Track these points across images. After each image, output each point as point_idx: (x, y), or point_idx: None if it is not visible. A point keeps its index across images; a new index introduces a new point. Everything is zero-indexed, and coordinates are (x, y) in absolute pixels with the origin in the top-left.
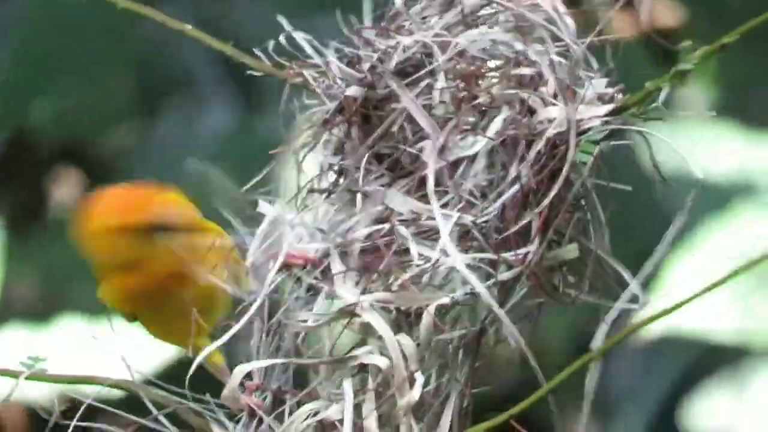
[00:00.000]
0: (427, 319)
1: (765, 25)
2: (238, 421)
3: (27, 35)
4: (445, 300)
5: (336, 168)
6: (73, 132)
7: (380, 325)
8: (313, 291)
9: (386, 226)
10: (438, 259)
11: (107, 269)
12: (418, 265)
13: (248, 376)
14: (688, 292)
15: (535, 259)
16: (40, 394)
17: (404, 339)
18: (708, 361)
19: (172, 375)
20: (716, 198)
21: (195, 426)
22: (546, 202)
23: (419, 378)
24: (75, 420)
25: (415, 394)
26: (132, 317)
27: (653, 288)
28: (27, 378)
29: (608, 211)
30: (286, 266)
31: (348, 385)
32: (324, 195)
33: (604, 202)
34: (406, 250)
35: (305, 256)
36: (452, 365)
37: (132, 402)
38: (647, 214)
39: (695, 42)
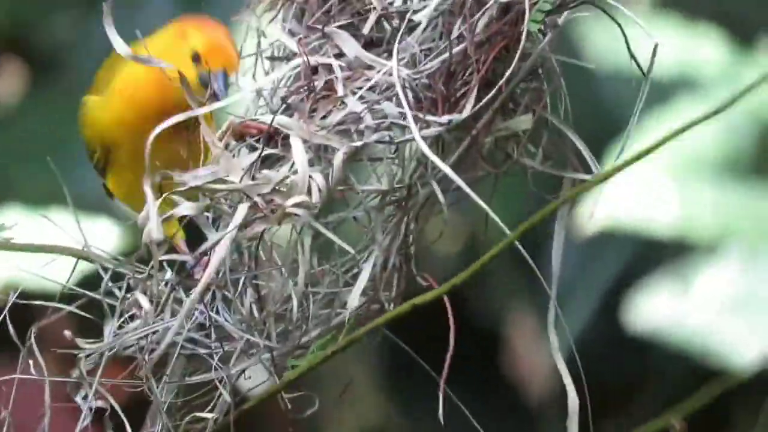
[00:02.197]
0: (337, 158)
1: None
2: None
3: None
4: (358, 144)
5: (295, 35)
6: (12, 22)
7: (297, 147)
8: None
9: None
10: (369, 102)
11: (132, 86)
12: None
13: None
14: (629, 184)
15: (473, 124)
16: None
17: (317, 175)
18: (649, 254)
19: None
20: (658, 92)
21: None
22: (488, 61)
23: (314, 198)
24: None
25: (292, 200)
26: (105, 160)
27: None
28: None
29: (559, 78)
30: (241, 136)
31: (242, 207)
32: (284, 61)
33: (561, 74)
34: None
35: (259, 126)
36: (376, 220)
37: (85, 287)
38: (586, 104)
39: None
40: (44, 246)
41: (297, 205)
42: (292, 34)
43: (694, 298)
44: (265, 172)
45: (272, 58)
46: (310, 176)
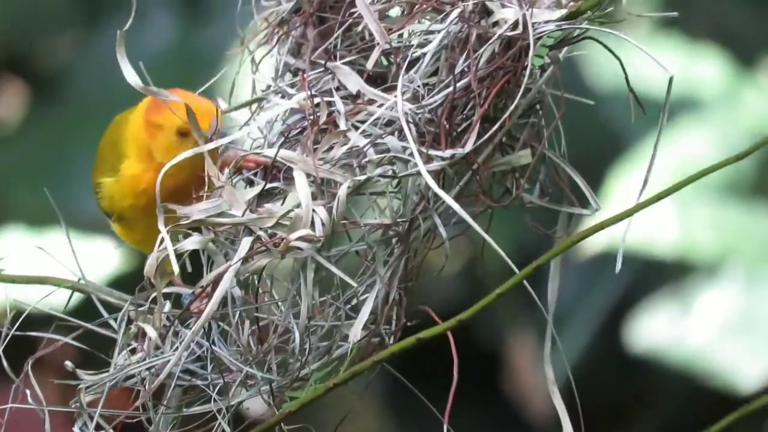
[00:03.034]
0: (341, 192)
1: None
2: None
3: None
4: (361, 178)
5: (292, 69)
6: (13, 43)
7: (300, 181)
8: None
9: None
10: (373, 136)
11: (138, 158)
12: (345, 142)
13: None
14: (631, 205)
15: (474, 160)
16: None
17: (321, 209)
18: (649, 275)
19: (121, 286)
20: (658, 111)
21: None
22: (490, 98)
23: (318, 231)
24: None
25: (296, 234)
26: (120, 215)
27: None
28: None
29: (561, 113)
30: (239, 169)
31: (246, 240)
32: (279, 95)
33: (559, 109)
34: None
35: (257, 160)
36: (378, 254)
37: (81, 314)
38: (590, 127)
39: None
40: (37, 277)
41: (301, 238)
42: (288, 68)
43: (694, 319)
44: (267, 206)
45: (267, 92)
46: (313, 210)
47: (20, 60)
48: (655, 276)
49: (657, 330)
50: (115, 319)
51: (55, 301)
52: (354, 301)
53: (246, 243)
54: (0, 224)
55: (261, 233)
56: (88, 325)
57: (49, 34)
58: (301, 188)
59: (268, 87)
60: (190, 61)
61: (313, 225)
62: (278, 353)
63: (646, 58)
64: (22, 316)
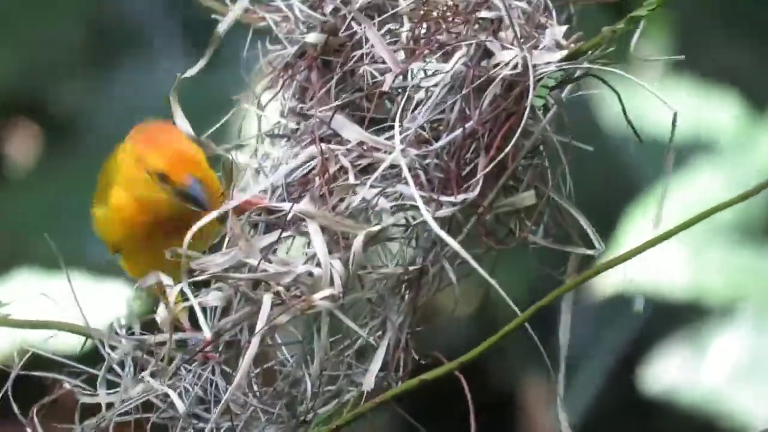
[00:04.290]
0: (356, 244)
1: None
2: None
3: None
4: (375, 229)
5: (297, 112)
6: (27, 87)
7: (317, 236)
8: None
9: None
10: (384, 188)
11: (124, 186)
12: (355, 192)
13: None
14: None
15: (479, 202)
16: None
17: (336, 262)
18: (663, 318)
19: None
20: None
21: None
22: (494, 143)
23: (337, 289)
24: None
25: (320, 294)
26: (116, 247)
27: (610, 244)
28: None
29: (569, 157)
30: (242, 211)
31: (267, 298)
32: (285, 139)
33: (566, 152)
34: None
35: (260, 202)
36: (389, 301)
37: (88, 359)
38: (603, 169)
39: None
40: (41, 322)
41: (323, 297)
42: (293, 112)
43: (707, 361)
44: (280, 255)
45: (272, 136)
46: (330, 264)
47: (34, 104)
48: (667, 319)
49: (670, 372)
50: (121, 364)
51: (64, 344)
52: (357, 343)
53: (267, 302)
54: (13, 268)
55: (280, 289)
56: (93, 371)
57: (62, 79)
58: (319, 246)
59: (273, 129)
60: (201, 105)
61: (331, 280)
62: (283, 396)
63: (659, 102)
64: (25, 357)
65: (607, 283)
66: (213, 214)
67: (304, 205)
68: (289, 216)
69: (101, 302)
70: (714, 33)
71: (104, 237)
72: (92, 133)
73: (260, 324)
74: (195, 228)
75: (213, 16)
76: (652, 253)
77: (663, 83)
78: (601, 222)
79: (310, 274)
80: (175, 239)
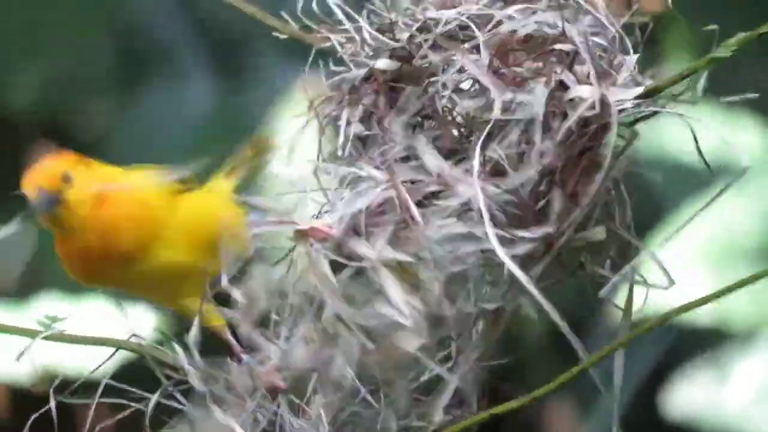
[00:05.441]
0: (437, 286)
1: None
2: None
3: (4, 9)
4: (456, 269)
5: (361, 136)
6: (51, 108)
7: (393, 285)
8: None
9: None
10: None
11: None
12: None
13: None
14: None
15: (559, 239)
16: (21, 373)
17: (416, 301)
18: (686, 343)
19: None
20: (697, 179)
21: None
22: (572, 181)
23: (422, 334)
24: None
25: (412, 345)
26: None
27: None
28: (45, 338)
29: (635, 196)
30: (302, 236)
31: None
32: (344, 163)
33: (632, 187)
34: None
35: (326, 231)
36: (464, 336)
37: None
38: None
39: (679, 27)
40: (95, 338)
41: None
42: (357, 138)
43: (731, 386)
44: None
45: (334, 158)
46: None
47: (58, 126)
48: (691, 343)
49: (694, 397)
50: (177, 386)
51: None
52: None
53: (355, 348)
54: (37, 291)
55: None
56: (150, 396)
57: (88, 99)
58: (397, 296)
59: (336, 151)
60: (229, 126)
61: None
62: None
63: (686, 127)
64: (57, 379)
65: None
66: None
67: (390, 253)
68: (369, 262)
69: (126, 324)
70: (741, 57)
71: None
72: (118, 154)
73: (350, 370)
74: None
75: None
76: (675, 278)
77: (691, 108)
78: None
79: (398, 323)
80: (128, 262)
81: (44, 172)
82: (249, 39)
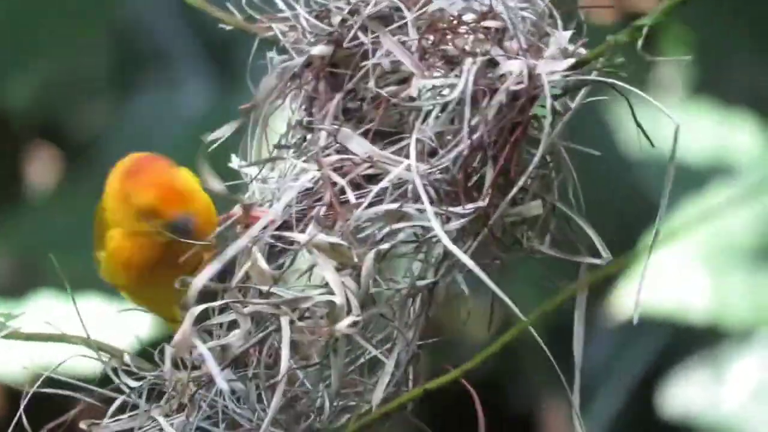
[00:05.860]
0: (367, 263)
1: (743, 5)
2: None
3: (2, 11)
4: (385, 246)
5: (302, 123)
6: (48, 109)
7: (325, 265)
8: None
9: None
10: (400, 205)
11: (122, 233)
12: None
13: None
14: (662, 270)
15: (491, 213)
16: (15, 370)
17: (348, 280)
18: (682, 341)
19: (145, 354)
20: (692, 177)
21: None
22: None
23: (354, 312)
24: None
25: (344, 323)
26: (124, 284)
27: (631, 270)
28: (2, 336)
29: (575, 165)
30: (246, 225)
31: (285, 321)
32: (291, 150)
33: (573, 161)
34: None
35: (260, 215)
36: (400, 316)
37: (104, 379)
38: (623, 192)
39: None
40: (54, 335)
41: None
42: (299, 124)
43: (727, 385)
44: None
45: (279, 147)
46: (346, 292)
47: (54, 127)
48: (687, 342)
49: (690, 396)
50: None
51: (79, 366)
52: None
53: (286, 327)
54: (32, 290)
55: (294, 317)
56: (108, 392)
57: (82, 101)
58: (331, 276)
59: (280, 140)
60: (222, 126)
61: (348, 305)
62: (289, 409)
63: (682, 126)
64: (41, 378)
65: (626, 307)
66: (230, 249)
67: (321, 237)
68: (299, 246)
69: (118, 325)
70: (736, 55)
71: (111, 281)
72: (113, 155)
73: (284, 351)
74: (187, 255)
75: (221, 26)
76: (672, 277)
77: (684, 107)
78: (621, 246)
79: (330, 301)
80: (179, 271)
81: (178, 193)
82: (244, 40)
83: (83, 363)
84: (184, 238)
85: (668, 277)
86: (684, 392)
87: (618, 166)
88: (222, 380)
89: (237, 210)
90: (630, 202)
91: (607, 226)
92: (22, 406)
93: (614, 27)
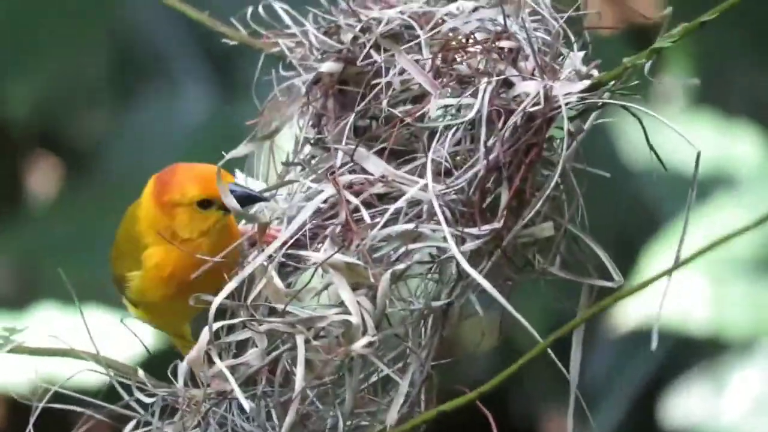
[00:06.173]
0: (383, 284)
1: (744, 16)
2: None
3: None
4: (401, 266)
5: (312, 141)
6: (47, 118)
7: (341, 285)
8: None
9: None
10: (416, 225)
11: (159, 243)
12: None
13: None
14: (663, 282)
15: (506, 235)
16: (18, 381)
17: (363, 300)
18: (683, 352)
19: (147, 366)
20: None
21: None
22: (518, 176)
23: (370, 332)
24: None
25: (359, 343)
26: (150, 305)
27: (632, 279)
28: (7, 351)
29: (584, 189)
30: (253, 243)
31: (300, 339)
32: (299, 168)
33: (580, 182)
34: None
35: (274, 235)
36: (413, 336)
37: (109, 393)
38: (625, 203)
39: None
40: (58, 350)
41: (364, 346)
42: (313, 143)
43: (728, 396)
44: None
45: (288, 164)
46: (361, 311)
47: (54, 136)
48: (688, 353)
49: (691, 407)
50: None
51: (83, 378)
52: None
53: (301, 345)
54: (32, 301)
55: (309, 336)
56: (116, 408)
57: (82, 110)
58: (346, 296)
59: (288, 158)
60: (223, 134)
61: (363, 324)
62: (300, 428)
63: (679, 136)
64: (51, 392)
65: (629, 318)
66: (247, 268)
67: (328, 254)
68: (316, 265)
69: (121, 336)
70: (737, 66)
71: (139, 299)
72: (113, 164)
73: (299, 370)
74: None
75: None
76: (673, 288)
77: (684, 117)
78: (623, 257)
79: (346, 321)
80: (208, 288)
81: (216, 173)
82: (244, 48)
83: (87, 375)
84: (247, 204)
85: (669, 289)
86: (685, 403)
87: (619, 175)
88: (244, 399)
89: (252, 228)
90: (631, 212)
91: (608, 235)
92: (31, 422)
93: (617, 39)
